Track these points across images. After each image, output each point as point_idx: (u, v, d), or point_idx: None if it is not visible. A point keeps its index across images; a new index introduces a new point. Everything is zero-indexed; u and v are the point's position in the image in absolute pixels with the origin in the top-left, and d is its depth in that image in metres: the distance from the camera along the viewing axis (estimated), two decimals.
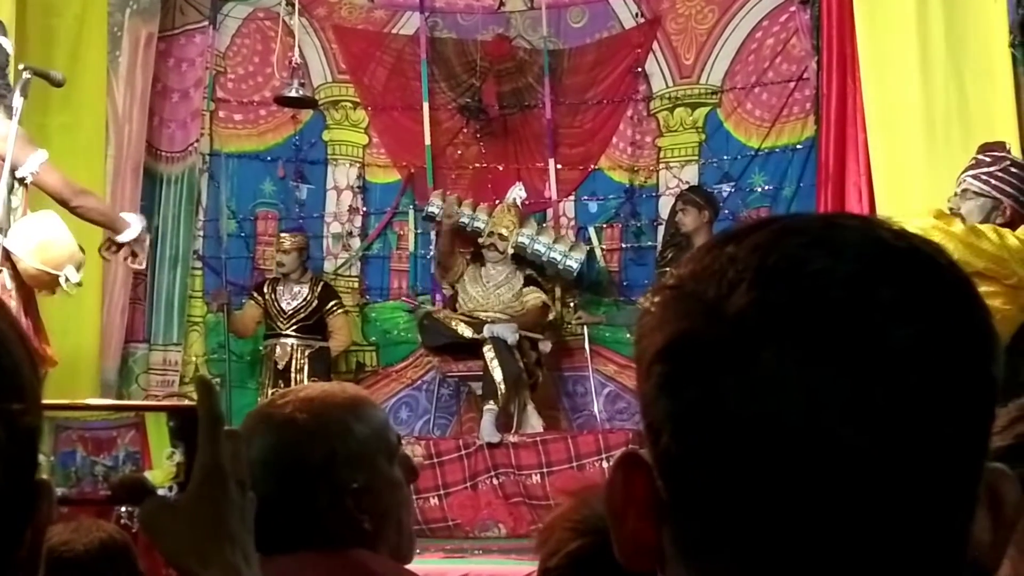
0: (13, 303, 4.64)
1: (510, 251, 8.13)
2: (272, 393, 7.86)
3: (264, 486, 1.60)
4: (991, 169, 5.14)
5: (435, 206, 8.35)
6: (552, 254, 8.18)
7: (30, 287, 4.95)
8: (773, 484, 0.72)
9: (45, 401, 1.01)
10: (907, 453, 0.71)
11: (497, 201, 8.43)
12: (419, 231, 8.85)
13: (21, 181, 4.96)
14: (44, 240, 4.92)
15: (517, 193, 8.35)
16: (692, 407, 0.74)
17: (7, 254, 4.81)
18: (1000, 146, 5.31)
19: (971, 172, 5.18)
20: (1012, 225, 5.14)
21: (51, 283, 4.99)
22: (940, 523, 0.73)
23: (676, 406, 0.75)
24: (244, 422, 1.93)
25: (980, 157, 5.24)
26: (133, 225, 5.29)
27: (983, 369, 0.74)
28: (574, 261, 8.20)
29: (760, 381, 0.72)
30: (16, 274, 4.89)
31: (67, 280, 4.97)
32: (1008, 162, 5.18)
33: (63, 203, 5.12)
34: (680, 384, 0.75)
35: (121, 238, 5.23)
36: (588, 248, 8.40)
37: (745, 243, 0.76)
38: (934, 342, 0.72)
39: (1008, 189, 5.12)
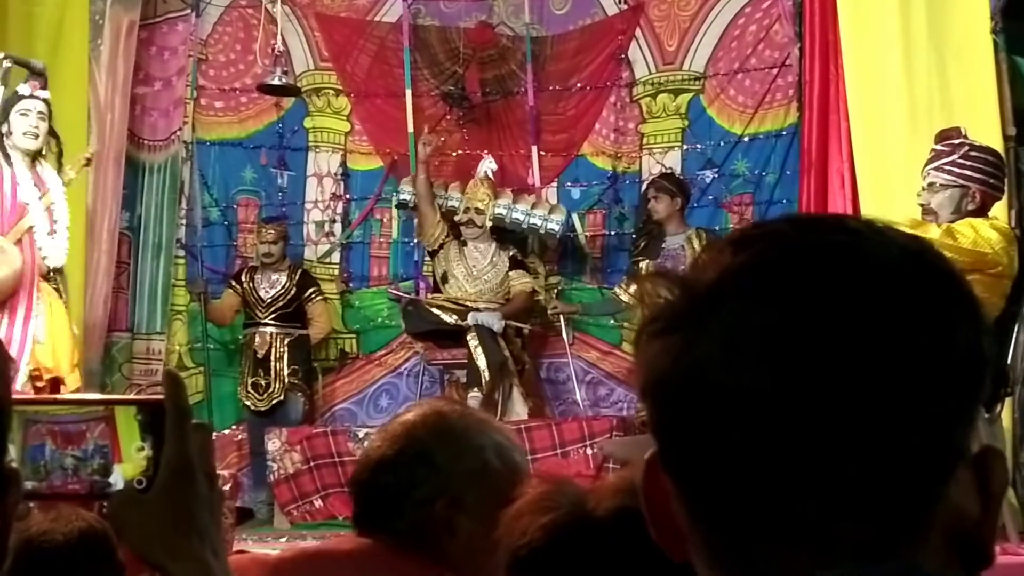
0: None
1: (488, 224, 8.02)
2: (251, 383, 7.91)
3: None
4: (952, 158, 5.15)
5: (407, 192, 8.31)
6: (532, 220, 8.11)
7: None
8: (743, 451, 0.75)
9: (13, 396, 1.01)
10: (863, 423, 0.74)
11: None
12: (402, 218, 8.83)
13: None
14: None
15: (487, 166, 8.23)
16: (654, 372, 0.79)
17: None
18: (956, 132, 5.32)
19: (933, 165, 5.20)
20: (984, 207, 5.16)
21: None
22: (898, 488, 0.76)
23: (644, 378, 0.80)
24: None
25: (939, 148, 5.25)
26: None
27: (937, 344, 0.76)
28: (555, 223, 8.13)
29: (713, 345, 0.75)
30: None
31: None
32: (967, 147, 5.20)
33: None
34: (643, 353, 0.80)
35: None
36: (567, 210, 8.37)
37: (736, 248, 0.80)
38: (885, 313, 0.75)
39: (973, 174, 5.13)
